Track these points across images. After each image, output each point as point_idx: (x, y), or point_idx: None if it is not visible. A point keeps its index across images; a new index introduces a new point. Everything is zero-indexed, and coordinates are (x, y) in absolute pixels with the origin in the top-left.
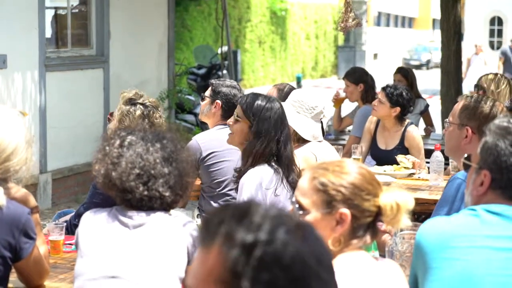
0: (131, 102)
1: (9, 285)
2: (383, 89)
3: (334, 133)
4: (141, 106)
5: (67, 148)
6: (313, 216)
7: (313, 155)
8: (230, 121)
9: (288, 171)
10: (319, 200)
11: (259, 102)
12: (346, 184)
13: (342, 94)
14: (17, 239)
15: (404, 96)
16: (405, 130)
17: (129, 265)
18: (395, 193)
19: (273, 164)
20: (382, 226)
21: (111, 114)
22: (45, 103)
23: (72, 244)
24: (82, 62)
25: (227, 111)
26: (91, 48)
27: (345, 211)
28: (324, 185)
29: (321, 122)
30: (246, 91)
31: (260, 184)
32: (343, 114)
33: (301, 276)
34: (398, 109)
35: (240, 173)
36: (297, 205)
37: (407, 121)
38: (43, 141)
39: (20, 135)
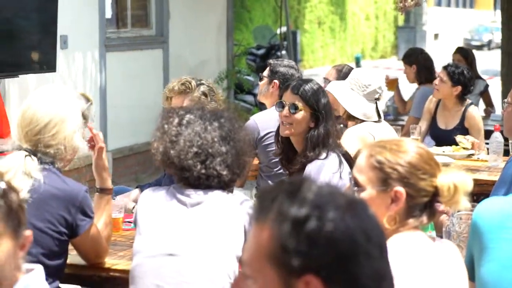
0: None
1: (70, 261)
2: (445, 68)
3: (394, 114)
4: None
5: (127, 128)
6: (368, 193)
7: (370, 135)
8: (286, 113)
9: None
10: (374, 178)
11: (313, 87)
12: (403, 163)
13: (393, 76)
14: (73, 216)
15: (466, 75)
16: (465, 110)
17: (187, 243)
18: (453, 174)
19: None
20: (440, 206)
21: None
22: (105, 83)
23: (131, 222)
24: (142, 42)
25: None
26: (150, 29)
27: (400, 189)
28: (381, 163)
29: (376, 103)
30: (306, 72)
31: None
32: (406, 97)
33: (350, 252)
34: (459, 88)
35: (302, 163)
36: (353, 182)
37: (468, 101)
38: (103, 121)
39: (59, 112)
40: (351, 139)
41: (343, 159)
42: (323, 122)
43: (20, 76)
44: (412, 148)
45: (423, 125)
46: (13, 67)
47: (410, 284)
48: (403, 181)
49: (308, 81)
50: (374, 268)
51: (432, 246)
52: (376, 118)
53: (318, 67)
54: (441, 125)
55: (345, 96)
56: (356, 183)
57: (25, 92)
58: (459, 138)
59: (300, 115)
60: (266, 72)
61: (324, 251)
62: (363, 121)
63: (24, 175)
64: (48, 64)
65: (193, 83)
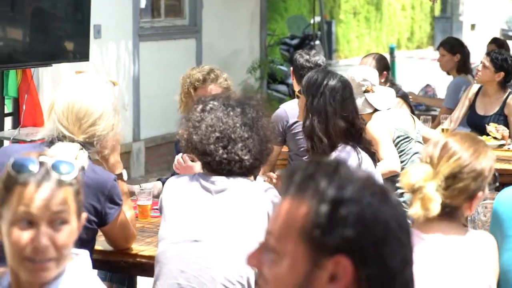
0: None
1: (97, 247)
2: (488, 54)
3: (425, 104)
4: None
5: (160, 117)
6: None
7: (384, 122)
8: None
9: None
10: None
11: (314, 78)
12: None
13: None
14: (102, 205)
15: (509, 61)
16: (507, 97)
17: (211, 229)
18: None
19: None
20: None
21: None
22: (139, 73)
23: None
24: (175, 32)
25: (298, 80)
26: (184, 18)
27: None
28: None
29: (365, 95)
30: (341, 62)
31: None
32: (439, 91)
33: (383, 236)
34: (502, 74)
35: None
36: None
37: (509, 90)
38: (136, 110)
39: (107, 101)
40: (370, 131)
41: (360, 151)
42: (318, 116)
43: (53, 65)
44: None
45: (459, 111)
46: (47, 56)
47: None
48: None
49: (321, 73)
50: (402, 253)
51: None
52: (370, 110)
53: (353, 58)
54: (480, 111)
55: None
56: None
57: (58, 81)
58: (490, 127)
59: (300, 101)
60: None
61: (359, 233)
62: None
63: None
64: (81, 53)
65: (217, 70)
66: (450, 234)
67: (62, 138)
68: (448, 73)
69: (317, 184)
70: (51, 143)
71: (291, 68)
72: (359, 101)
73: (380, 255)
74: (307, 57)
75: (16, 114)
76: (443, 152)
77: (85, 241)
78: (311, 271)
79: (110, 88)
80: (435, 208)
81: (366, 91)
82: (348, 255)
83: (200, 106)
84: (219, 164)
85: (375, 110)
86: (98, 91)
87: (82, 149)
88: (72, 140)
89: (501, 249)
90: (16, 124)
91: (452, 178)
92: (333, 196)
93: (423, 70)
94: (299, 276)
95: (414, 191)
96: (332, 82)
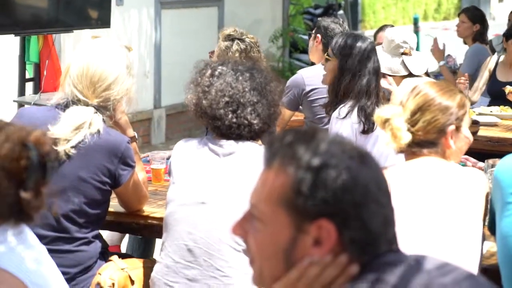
0: (229, 38)
1: (110, 209)
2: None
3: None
4: (238, 42)
5: (181, 85)
6: None
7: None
8: (323, 61)
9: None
10: None
11: (346, 40)
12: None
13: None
14: (116, 166)
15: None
16: None
17: (218, 191)
18: None
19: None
20: None
21: (212, 52)
22: (160, 40)
23: None
24: (197, 0)
25: (326, 45)
26: None
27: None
28: None
29: (402, 57)
30: (366, 33)
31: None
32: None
33: (363, 199)
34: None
35: (327, 107)
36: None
37: None
38: (157, 77)
39: (121, 66)
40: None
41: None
42: (346, 75)
43: (74, 31)
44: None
45: (478, 81)
46: (68, 22)
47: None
48: None
49: (351, 36)
50: (383, 214)
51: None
52: (405, 73)
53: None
54: (501, 78)
55: None
56: None
57: None
58: (508, 87)
59: (329, 64)
60: (314, 30)
61: (339, 197)
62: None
63: (78, 129)
64: (102, 20)
65: (231, 34)
66: (436, 165)
67: (76, 101)
68: (465, 42)
69: (296, 152)
70: (66, 106)
71: (317, 35)
72: (394, 62)
73: (361, 217)
74: (338, 24)
75: (37, 79)
76: (411, 93)
77: (99, 202)
78: (295, 237)
79: (125, 52)
80: (404, 136)
81: (404, 53)
82: (330, 218)
83: (209, 71)
84: (228, 128)
85: (409, 74)
86: (113, 55)
87: (96, 112)
88: (87, 104)
89: (501, 216)
90: (37, 89)
91: (420, 112)
92: (312, 162)
93: (445, 40)
94: (284, 242)
95: (384, 124)
96: (364, 44)
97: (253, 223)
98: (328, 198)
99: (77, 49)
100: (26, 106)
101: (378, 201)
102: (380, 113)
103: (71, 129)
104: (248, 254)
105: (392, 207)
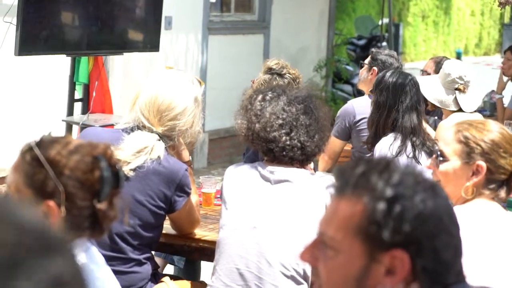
0: (270, 71)
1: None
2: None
3: (490, 109)
4: (277, 78)
5: (225, 110)
6: (452, 164)
7: None
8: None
9: (410, 139)
10: (459, 150)
11: (383, 75)
12: (486, 140)
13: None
14: (172, 193)
15: None
16: None
17: (269, 217)
18: None
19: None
20: None
21: (253, 82)
22: (206, 65)
23: None
24: (244, 27)
25: None
26: (253, 14)
27: (482, 163)
28: (467, 138)
29: (455, 93)
30: (407, 65)
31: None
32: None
33: (436, 229)
34: None
35: (367, 143)
36: (439, 153)
37: None
38: (202, 102)
39: (190, 98)
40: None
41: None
42: (380, 109)
43: (124, 54)
44: (495, 128)
45: None
46: (118, 45)
47: (477, 249)
48: (485, 156)
49: (389, 72)
50: (454, 245)
51: (506, 216)
52: (454, 108)
53: (419, 61)
54: None
55: (426, 83)
56: (441, 154)
57: (128, 69)
58: None
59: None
60: (367, 60)
61: (414, 228)
62: (455, 112)
63: (139, 153)
64: (151, 44)
65: (273, 67)
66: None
67: (142, 127)
68: (511, 80)
69: (370, 181)
70: (131, 130)
71: (372, 67)
72: (447, 96)
73: (434, 248)
74: (393, 58)
75: (85, 100)
76: None
77: (153, 225)
78: (368, 265)
79: (195, 86)
80: None
81: (457, 89)
82: (404, 248)
83: (260, 96)
84: (282, 150)
85: (459, 109)
86: (183, 87)
87: (159, 140)
88: (151, 131)
89: None
90: (85, 110)
91: None
92: (386, 192)
93: (489, 76)
94: (356, 270)
95: None
96: (400, 80)
97: (324, 251)
98: (403, 229)
99: (149, 77)
100: (74, 126)
101: (449, 232)
102: None
103: (132, 152)
104: (314, 281)
105: (461, 238)
